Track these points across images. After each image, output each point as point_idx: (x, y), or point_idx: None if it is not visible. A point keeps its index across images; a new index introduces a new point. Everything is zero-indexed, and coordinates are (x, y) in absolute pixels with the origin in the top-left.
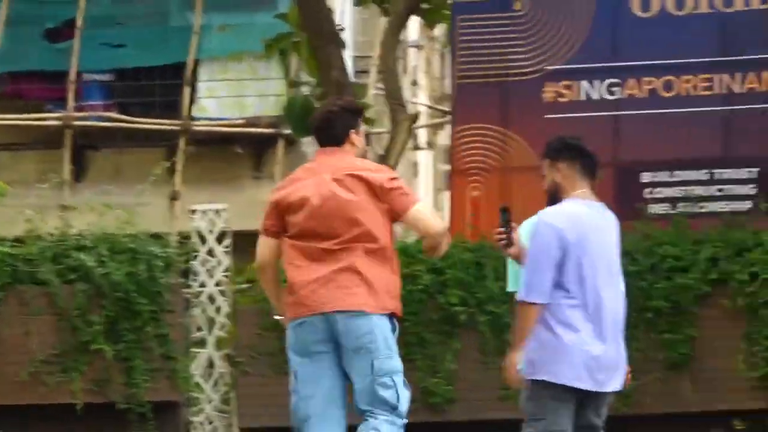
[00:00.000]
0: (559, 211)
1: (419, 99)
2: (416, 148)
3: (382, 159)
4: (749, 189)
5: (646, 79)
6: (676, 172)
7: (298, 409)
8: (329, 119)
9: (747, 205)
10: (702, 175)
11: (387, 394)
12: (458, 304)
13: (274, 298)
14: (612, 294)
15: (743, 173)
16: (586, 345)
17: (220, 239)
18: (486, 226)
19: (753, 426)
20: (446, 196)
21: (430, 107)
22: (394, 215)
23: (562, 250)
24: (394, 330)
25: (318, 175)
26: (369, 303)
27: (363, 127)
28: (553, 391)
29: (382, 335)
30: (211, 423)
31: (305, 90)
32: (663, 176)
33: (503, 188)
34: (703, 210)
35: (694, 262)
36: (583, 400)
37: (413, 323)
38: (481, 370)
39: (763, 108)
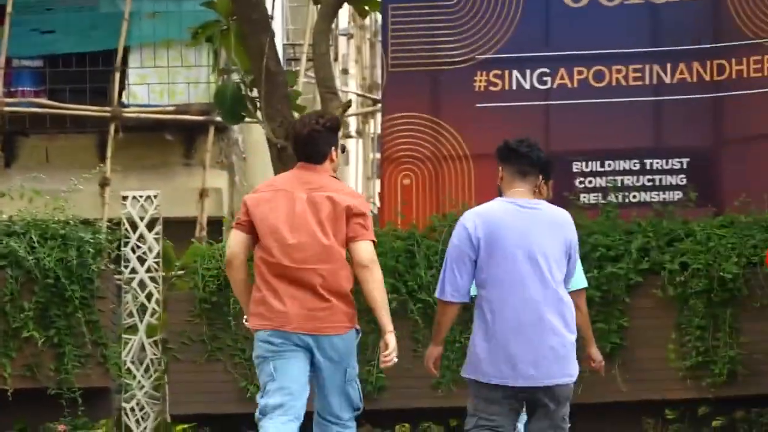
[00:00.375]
0: (474, 211)
1: (350, 87)
2: (347, 136)
3: None
4: (679, 179)
5: (577, 68)
6: (608, 162)
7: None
8: (313, 137)
9: (677, 195)
10: (633, 165)
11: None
12: (389, 292)
13: (241, 295)
14: (530, 289)
15: (674, 163)
16: (499, 342)
17: (151, 226)
18: (417, 215)
19: (684, 415)
20: (377, 185)
21: (360, 95)
22: (348, 239)
23: (473, 249)
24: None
25: (291, 192)
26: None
27: (340, 142)
28: (481, 389)
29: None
30: (142, 409)
31: (235, 78)
32: (594, 166)
33: (434, 177)
34: (634, 200)
35: (625, 251)
36: (526, 397)
37: None
38: (412, 358)
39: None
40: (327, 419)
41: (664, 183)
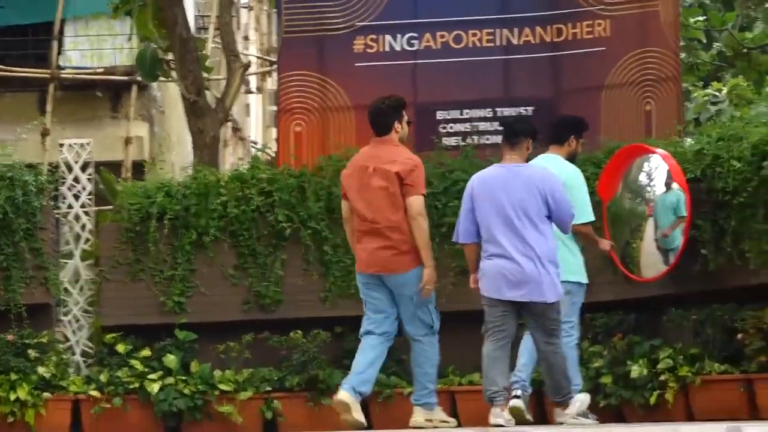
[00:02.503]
0: (477, 174)
1: (250, 51)
2: (248, 92)
3: (219, 101)
4: None
5: (440, 33)
6: (465, 111)
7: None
8: (377, 114)
9: None
10: (487, 113)
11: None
12: (284, 221)
13: (352, 244)
14: (510, 229)
15: (521, 111)
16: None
17: (84, 168)
18: (307, 157)
19: None
20: (274, 132)
21: (259, 58)
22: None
23: (472, 203)
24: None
25: (365, 166)
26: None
27: (405, 117)
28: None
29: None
30: (78, 321)
31: (154, 44)
32: (454, 114)
33: (322, 125)
34: (488, 142)
35: None
36: (519, 309)
37: (246, 238)
38: (304, 276)
39: None
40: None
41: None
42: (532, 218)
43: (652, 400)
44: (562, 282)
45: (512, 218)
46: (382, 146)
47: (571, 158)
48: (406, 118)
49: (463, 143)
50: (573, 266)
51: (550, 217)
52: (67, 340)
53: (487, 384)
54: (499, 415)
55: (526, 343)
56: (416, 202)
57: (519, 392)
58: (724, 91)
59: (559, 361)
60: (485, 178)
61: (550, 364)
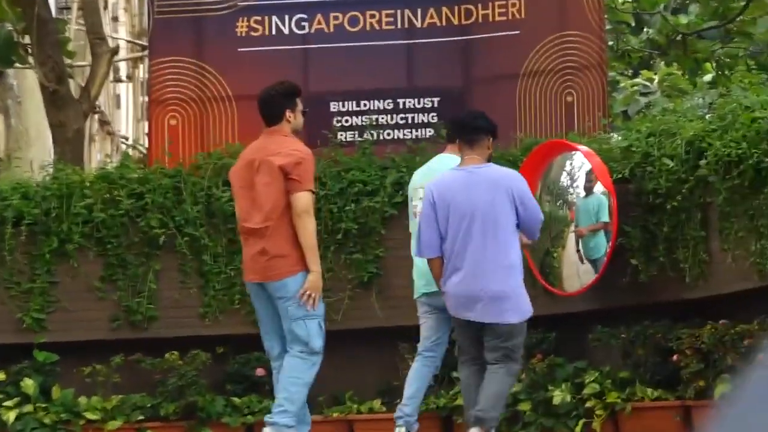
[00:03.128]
0: (434, 180)
1: (120, 34)
2: (117, 80)
3: (84, 90)
4: (431, 117)
5: (333, 14)
6: (363, 102)
7: None
8: (267, 101)
9: (429, 132)
10: (387, 104)
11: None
12: (158, 227)
13: None
14: (476, 240)
15: (425, 102)
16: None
17: None
18: (184, 154)
19: None
20: (146, 126)
21: (129, 42)
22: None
23: (434, 211)
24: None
25: (252, 159)
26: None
27: (299, 105)
28: None
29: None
30: None
31: (8, 25)
32: (351, 105)
33: (199, 117)
34: (388, 137)
35: (380, 186)
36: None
37: (115, 246)
38: (180, 289)
39: None
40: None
41: (416, 121)
42: (499, 226)
43: (577, 429)
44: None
45: (478, 227)
46: (271, 137)
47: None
48: (300, 106)
49: (361, 139)
50: None
51: (518, 225)
52: None
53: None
54: None
55: (417, 372)
56: (302, 199)
57: (403, 429)
58: (656, 80)
59: (506, 386)
60: (445, 183)
61: (498, 389)
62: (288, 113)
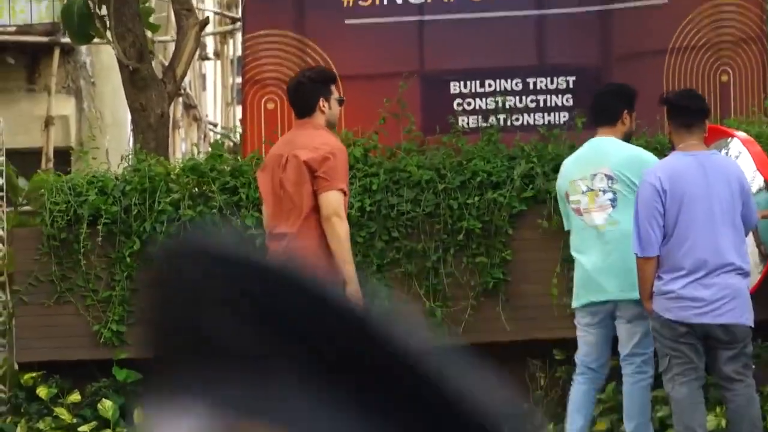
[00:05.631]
0: (659, 167)
1: (207, 5)
2: (204, 58)
3: (168, 69)
4: (566, 99)
5: None
6: (488, 82)
7: None
8: (296, 89)
9: (564, 116)
10: (515, 84)
11: None
12: (254, 225)
13: None
14: (715, 235)
15: (559, 82)
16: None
17: None
18: None
19: (573, 355)
20: (238, 111)
21: (218, 14)
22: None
23: (662, 203)
24: None
25: (279, 155)
26: None
27: (335, 94)
28: None
29: None
30: None
31: None
32: (473, 86)
33: None
34: (517, 123)
35: (507, 178)
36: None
37: None
38: None
39: None
40: None
41: (549, 104)
42: (735, 221)
43: None
44: (637, 301)
45: (716, 222)
46: (302, 130)
47: (627, 139)
48: (335, 95)
49: (485, 125)
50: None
51: None
52: None
53: None
54: None
55: (584, 397)
56: (330, 200)
57: None
58: None
59: (756, 404)
60: (675, 170)
61: (746, 407)
62: (321, 103)
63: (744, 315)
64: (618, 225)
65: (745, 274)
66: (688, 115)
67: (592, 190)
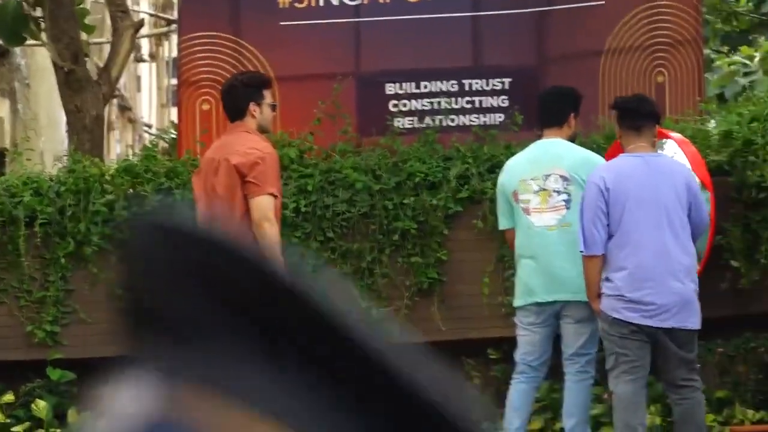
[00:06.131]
0: (606, 167)
1: (142, 7)
2: (138, 60)
3: (103, 71)
4: (501, 101)
5: None
6: (423, 84)
7: None
8: (228, 93)
9: (500, 117)
10: (451, 86)
11: None
12: None
13: None
14: (657, 237)
15: (495, 84)
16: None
17: None
18: None
19: (508, 354)
20: (173, 112)
21: (153, 15)
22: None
23: (606, 203)
24: None
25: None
26: None
27: (267, 98)
28: None
29: None
30: None
31: None
32: (409, 87)
33: None
34: (452, 124)
35: (443, 179)
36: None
37: None
38: None
39: None
40: None
41: (484, 105)
42: (682, 223)
43: None
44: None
45: (661, 224)
46: (234, 134)
47: (571, 141)
48: (268, 100)
49: (421, 125)
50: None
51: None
52: None
53: None
54: None
55: (523, 396)
56: (260, 204)
57: None
58: (757, 58)
59: (702, 407)
60: (621, 171)
61: (693, 411)
62: (252, 107)
63: (690, 319)
64: (571, 227)
65: (692, 276)
66: (638, 118)
67: (545, 189)
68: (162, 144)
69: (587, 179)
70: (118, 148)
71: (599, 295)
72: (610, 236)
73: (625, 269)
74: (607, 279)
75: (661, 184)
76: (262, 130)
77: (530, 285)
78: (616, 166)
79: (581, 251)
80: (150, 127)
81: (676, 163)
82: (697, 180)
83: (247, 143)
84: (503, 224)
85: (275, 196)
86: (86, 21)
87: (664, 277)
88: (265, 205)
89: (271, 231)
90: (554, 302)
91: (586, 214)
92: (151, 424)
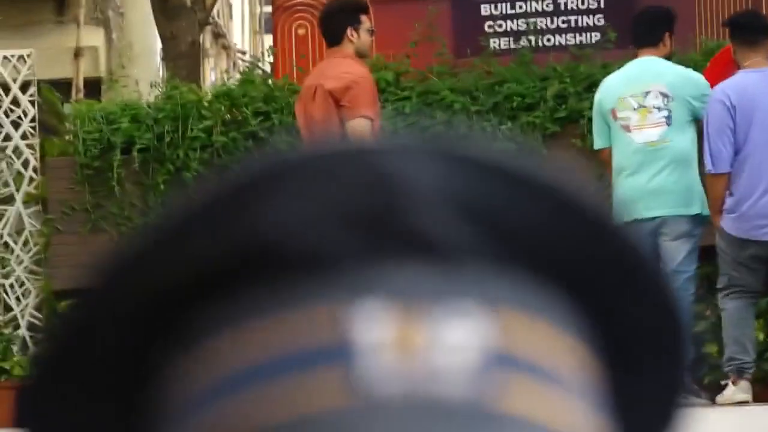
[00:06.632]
0: (726, 84)
1: None
2: None
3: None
4: (597, 19)
5: None
6: (519, 3)
7: None
8: (326, 18)
9: (596, 36)
10: (546, 5)
11: None
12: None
13: None
14: None
15: (590, 2)
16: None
17: (24, 88)
18: (314, 65)
19: None
20: (265, 40)
21: None
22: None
23: (732, 120)
24: None
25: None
26: None
27: (364, 23)
28: None
29: None
30: (22, 285)
31: None
32: (504, 8)
33: None
34: (548, 43)
35: (540, 99)
36: None
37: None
38: None
39: None
40: None
41: (580, 24)
42: None
43: None
44: (693, 219)
45: None
46: (331, 60)
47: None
48: (366, 24)
49: (517, 46)
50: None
51: None
52: (9, 309)
53: (734, 351)
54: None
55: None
56: (355, 128)
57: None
58: None
59: None
60: (744, 87)
61: None
62: (350, 32)
63: None
64: (671, 143)
65: None
66: (752, 33)
67: (644, 107)
68: (257, 71)
69: (711, 96)
70: (212, 75)
71: (721, 212)
72: (735, 153)
73: (750, 185)
74: (731, 194)
75: None
76: (360, 54)
77: (628, 202)
78: (738, 83)
79: (707, 169)
80: (244, 54)
81: None
82: None
83: (341, 67)
84: (599, 144)
85: (372, 120)
86: None
87: None
88: (361, 129)
89: None
90: (653, 218)
91: (713, 131)
92: (493, 356)
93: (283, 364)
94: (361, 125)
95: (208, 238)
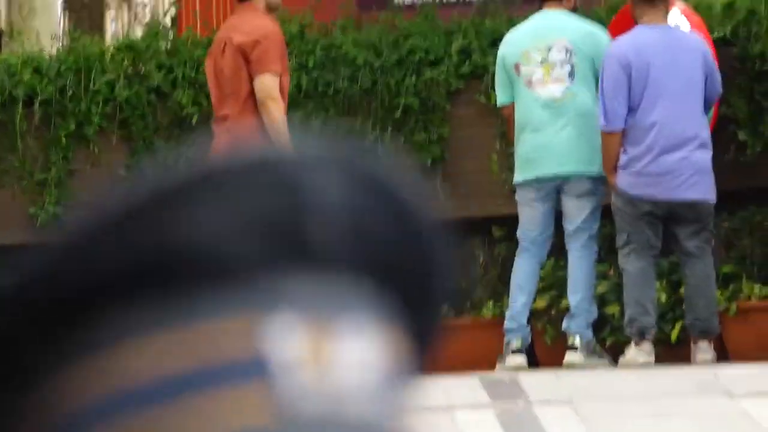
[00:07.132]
0: (623, 41)
1: None
2: None
3: None
4: None
5: None
6: None
7: None
8: None
9: None
10: None
11: None
12: (189, 104)
13: None
14: (679, 112)
15: None
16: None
17: None
18: (218, 20)
19: (512, 232)
20: None
21: None
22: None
23: (628, 78)
24: None
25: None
26: None
27: None
28: None
29: None
30: None
31: None
32: None
33: None
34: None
35: (445, 54)
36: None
37: (141, 128)
38: None
39: None
40: None
41: None
42: (699, 94)
43: (674, 334)
44: (596, 177)
45: (682, 95)
46: (241, 14)
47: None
48: None
49: (422, 1)
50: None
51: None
52: None
53: (635, 313)
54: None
55: (527, 273)
56: (263, 83)
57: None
58: None
59: (712, 281)
60: (641, 44)
61: (705, 286)
62: None
63: (708, 192)
64: (576, 98)
65: (709, 147)
66: None
67: (548, 61)
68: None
69: (607, 53)
70: (113, 27)
71: (615, 170)
72: (630, 110)
73: (644, 143)
74: (625, 152)
75: (679, 56)
76: (270, 8)
77: (530, 160)
78: (634, 40)
79: (601, 126)
80: (146, 6)
81: (692, 35)
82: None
83: (250, 22)
84: (502, 100)
85: (279, 75)
86: None
87: (683, 150)
88: (268, 84)
89: (275, 109)
90: (555, 177)
91: (607, 88)
92: (384, 374)
93: (197, 378)
94: (267, 80)
95: (116, 247)
